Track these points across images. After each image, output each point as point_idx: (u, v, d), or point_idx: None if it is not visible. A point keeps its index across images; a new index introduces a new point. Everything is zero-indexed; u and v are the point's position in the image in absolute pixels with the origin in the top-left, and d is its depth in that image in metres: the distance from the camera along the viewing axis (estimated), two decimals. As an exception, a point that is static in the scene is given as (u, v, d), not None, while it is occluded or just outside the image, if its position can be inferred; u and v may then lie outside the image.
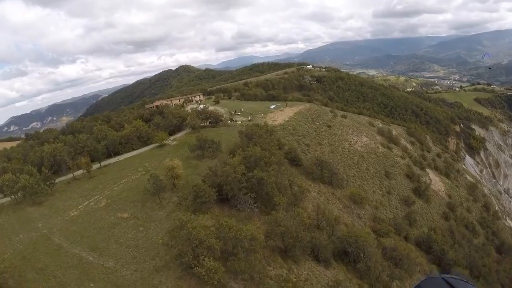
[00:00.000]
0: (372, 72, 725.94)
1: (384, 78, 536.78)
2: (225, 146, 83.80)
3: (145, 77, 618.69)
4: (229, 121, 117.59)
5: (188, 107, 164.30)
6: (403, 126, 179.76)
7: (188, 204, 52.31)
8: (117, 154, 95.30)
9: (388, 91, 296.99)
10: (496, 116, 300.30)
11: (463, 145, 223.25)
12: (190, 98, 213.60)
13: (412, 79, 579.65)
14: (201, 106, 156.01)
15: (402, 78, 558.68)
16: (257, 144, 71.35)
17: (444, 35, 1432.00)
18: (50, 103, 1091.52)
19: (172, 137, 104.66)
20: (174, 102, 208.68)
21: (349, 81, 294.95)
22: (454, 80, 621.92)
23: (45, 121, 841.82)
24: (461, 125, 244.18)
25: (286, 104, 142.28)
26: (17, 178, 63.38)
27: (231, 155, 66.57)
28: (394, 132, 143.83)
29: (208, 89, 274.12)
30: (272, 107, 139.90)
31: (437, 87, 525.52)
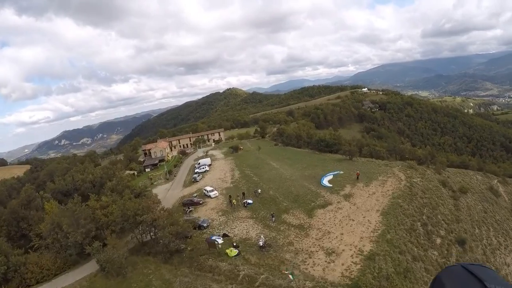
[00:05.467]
0: (424, 93, 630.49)
1: (440, 99, 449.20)
2: None
3: (198, 98, 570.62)
4: (208, 238, 42.69)
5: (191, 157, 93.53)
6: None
7: None
8: None
9: (468, 119, 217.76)
10: None
11: None
12: (207, 136, 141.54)
13: (469, 99, 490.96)
14: (202, 161, 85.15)
15: (458, 99, 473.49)
16: None
17: (494, 51, 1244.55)
18: (103, 120, 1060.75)
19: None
20: (182, 142, 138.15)
21: (419, 108, 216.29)
22: (509, 97, 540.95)
23: (95, 137, 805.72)
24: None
25: (358, 175, 61.05)
26: None
27: None
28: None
29: (243, 119, 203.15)
30: (325, 181, 61.44)
31: (496, 106, 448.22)
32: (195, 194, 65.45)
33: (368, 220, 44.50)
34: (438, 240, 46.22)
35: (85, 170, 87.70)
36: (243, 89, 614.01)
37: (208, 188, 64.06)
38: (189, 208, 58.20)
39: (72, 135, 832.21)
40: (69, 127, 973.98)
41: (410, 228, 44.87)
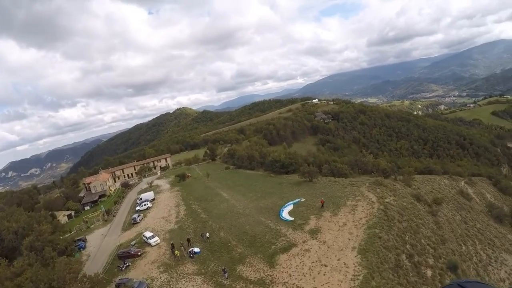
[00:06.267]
0: (372, 100, 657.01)
1: (389, 104, 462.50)
2: None
3: (148, 120, 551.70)
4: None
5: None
6: (478, 174, 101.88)
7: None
8: None
9: (421, 121, 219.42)
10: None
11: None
12: (153, 163, 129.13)
13: (416, 102, 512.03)
14: (144, 196, 73.79)
15: (407, 102, 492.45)
16: None
17: (437, 55, 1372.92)
18: (52, 148, 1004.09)
19: None
20: (127, 171, 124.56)
21: (372, 115, 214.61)
22: (454, 96, 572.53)
23: (44, 167, 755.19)
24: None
25: (323, 202, 52.21)
26: None
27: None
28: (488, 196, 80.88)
29: (193, 141, 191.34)
30: (285, 213, 51.80)
31: (443, 106, 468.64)
32: (133, 242, 53.83)
33: (345, 263, 35.76)
34: (429, 272, 38.57)
35: (12, 215, 72.58)
36: (193, 108, 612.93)
37: (148, 234, 52.88)
38: (125, 263, 46.63)
39: (19, 166, 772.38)
40: (16, 157, 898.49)
41: (396, 265, 36.68)
